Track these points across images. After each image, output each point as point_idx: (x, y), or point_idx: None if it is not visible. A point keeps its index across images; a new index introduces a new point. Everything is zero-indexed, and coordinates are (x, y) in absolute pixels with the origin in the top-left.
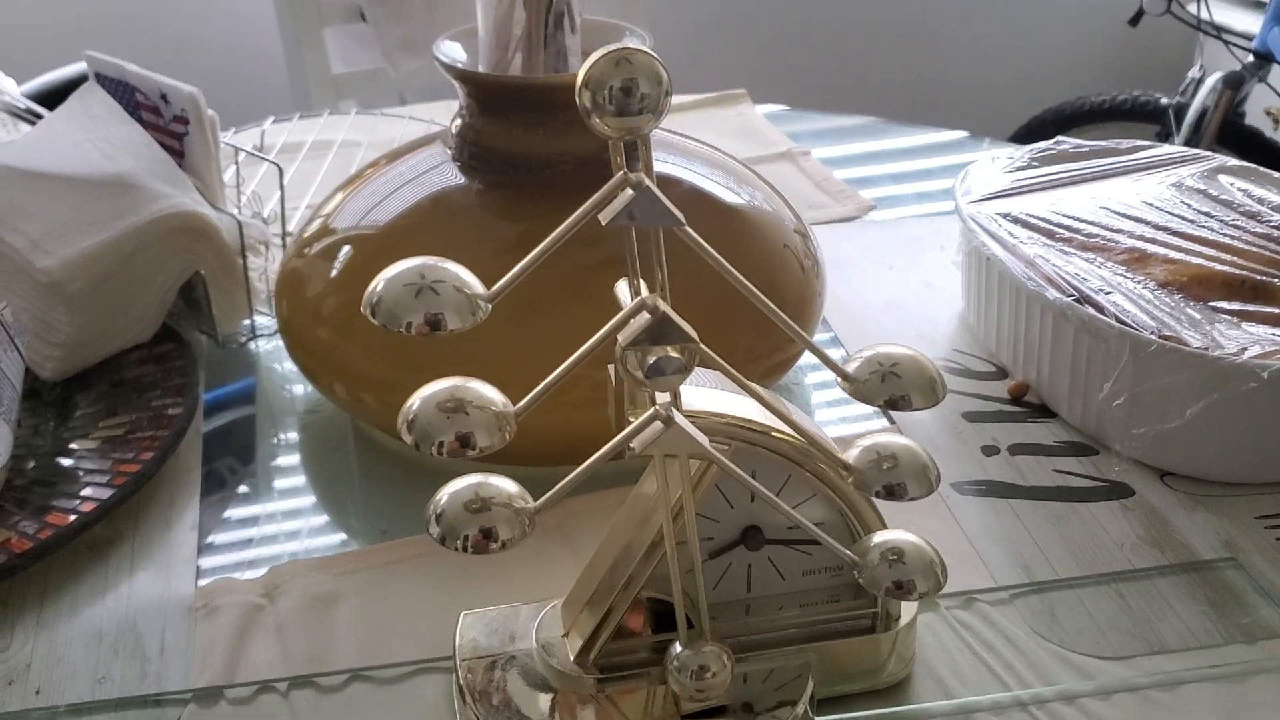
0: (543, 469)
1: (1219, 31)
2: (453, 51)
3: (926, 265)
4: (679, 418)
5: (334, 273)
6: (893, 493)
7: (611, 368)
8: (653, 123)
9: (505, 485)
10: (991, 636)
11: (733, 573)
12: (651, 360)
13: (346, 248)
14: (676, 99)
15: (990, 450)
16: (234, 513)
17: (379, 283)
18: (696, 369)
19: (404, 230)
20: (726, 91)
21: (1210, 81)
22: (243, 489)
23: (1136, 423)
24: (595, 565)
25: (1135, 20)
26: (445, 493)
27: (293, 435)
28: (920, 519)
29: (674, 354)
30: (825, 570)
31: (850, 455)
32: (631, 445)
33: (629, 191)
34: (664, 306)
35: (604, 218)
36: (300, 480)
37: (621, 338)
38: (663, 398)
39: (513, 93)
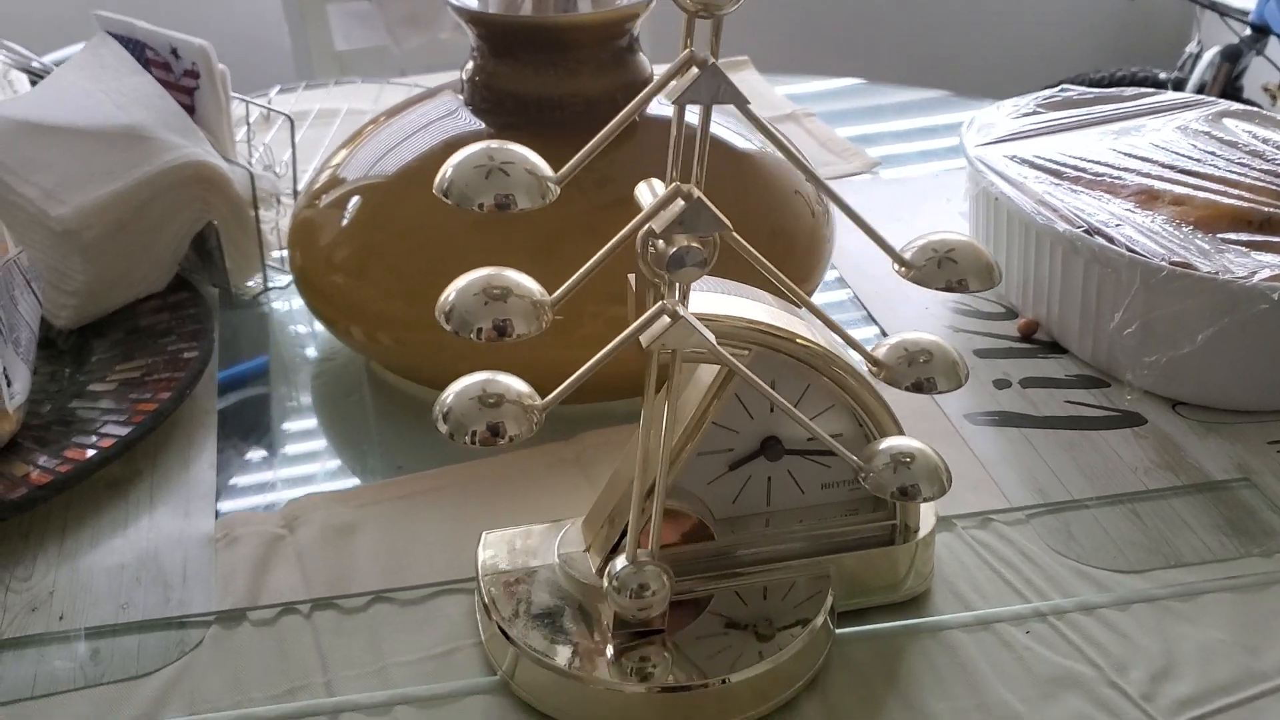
0: (567, 406)
1: (1215, 4)
2: None
3: (933, 216)
4: (685, 312)
5: (346, 220)
6: (922, 387)
7: (631, 276)
8: (733, 3)
9: (513, 382)
10: (1009, 553)
11: (752, 485)
12: (673, 250)
13: (358, 196)
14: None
15: (1002, 384)
16: (252, 454)
17: (448, 168)
18: (719, 280)
19: (415, 175)
20: (730, 59)
21: (1208, 56)
22: (259, 432)
23: (1148, 351)
24: (616, 479)
25: None
26: (452, 390)
27: (307, 382)
28: (936, 447)
29: (696, 245)
30: (844, 484)
31: (880, 351)
32: (639, 339)
33: (694, 71)
34: (699, 193)
35: (668, 95)
36: (315, 424)
37: (656, 223)
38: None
39: (524, 33)
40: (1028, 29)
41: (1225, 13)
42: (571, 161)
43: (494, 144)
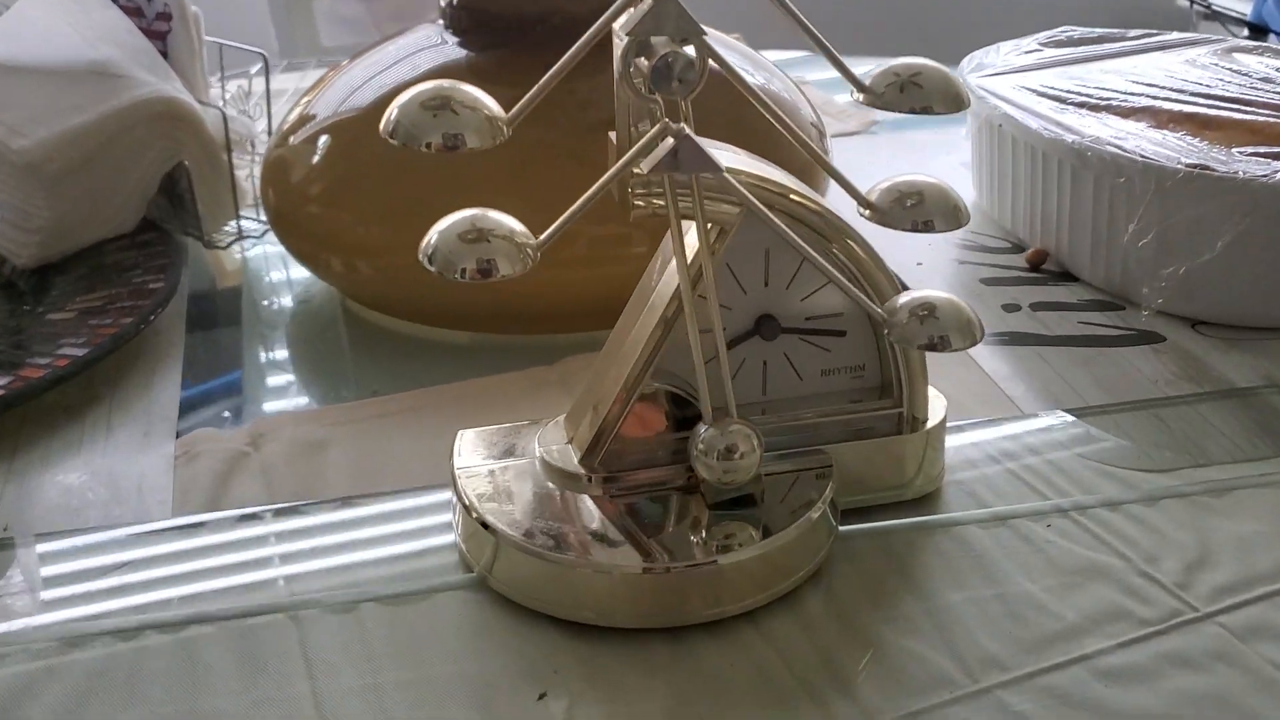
0: (549, 336)
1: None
2: None
3: (935, 167)
4: (690, 132)
5: (319, 155)
6: (919, 228)
7: (612, 135)
8: None
9: (505, 219)
10: (1025, 455)
11: (747, 370)
12: (657, 60)
13: (333, 129)
14: None
15: (1011, 308)
16: (219, 383)
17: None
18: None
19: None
20: (721, 35)
21: None
22: (228, 365)
23: (1164, 262)
24: (601, 363)
25: None
26: (437, 228)
27: (280, 324)
28: (944, 369)
29: (681, 50)
30: (845, 370)
31: (872, 194)
32: (638, 168)
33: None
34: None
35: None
36: (287, 356)
37: (621, 27)
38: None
39: None
40: (1021, 28)
41: (1222, 13)
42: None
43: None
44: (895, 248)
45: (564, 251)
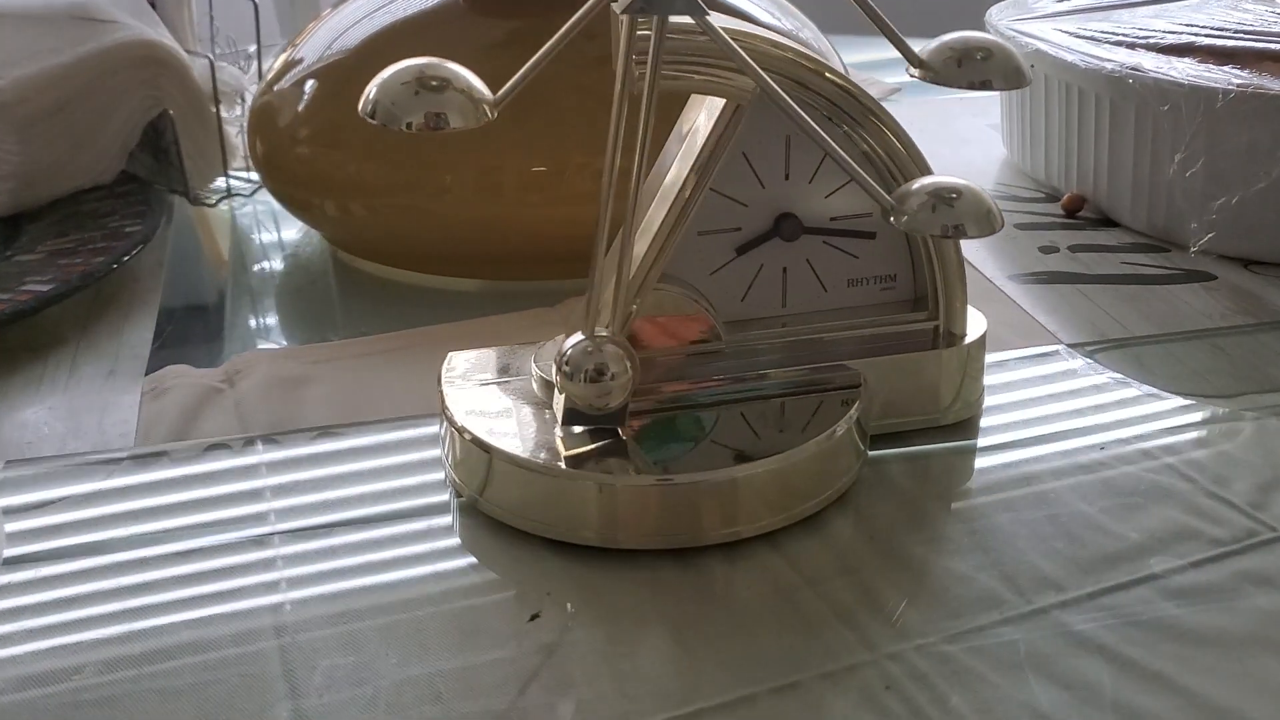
0: (555, 281)
1: None
2: None
3: (962, 129)
4: None
5: (307, 98)
6: (979, 86)
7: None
8: None
9: (461, 71)
10: (1072, 383)
11: (765, 278)
12: None
13: (318, 74)
14: None
15: (1049, 249)
16: (196, 326)
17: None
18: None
19: (385, 38)
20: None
21: None
22: (209, 310)
23: (1215, 194)
24: (602, 270)
25: None
26: (378, 79)
27: (269, 276)
28: (976, 305)
29: None
30: (874, 280)
31: (924, 51)
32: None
33: None
34: None
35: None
36: (275, 307)
37: None
38: None
39: None
40: None
41: None
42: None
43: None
44: None
45: (565, 186)
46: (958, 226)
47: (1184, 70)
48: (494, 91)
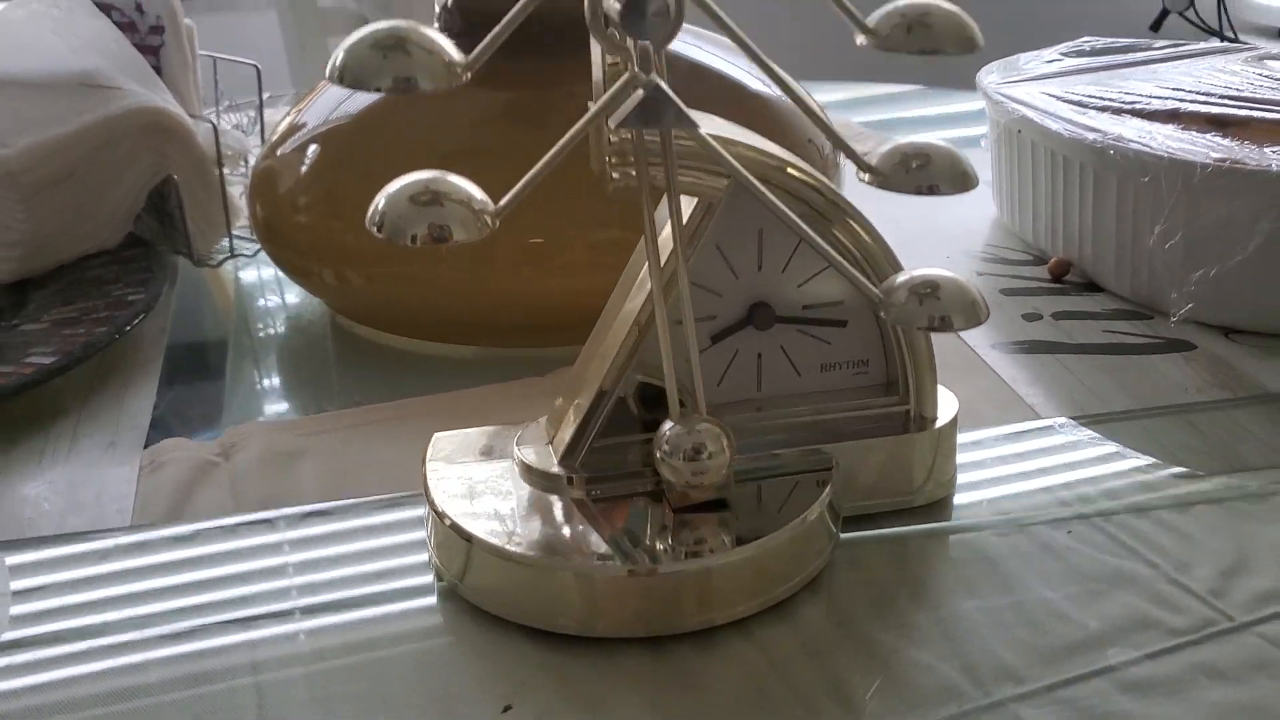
0: (545, 349)
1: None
2: None
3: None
4: (661, 81)
5: (307, 165)
6: (924, 191)
7: (590, 103)
8: None
9: (462, 183)
10: (1045, 460)
11: (740, 364)
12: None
13: (323, 137)
14: None
15: (1032, 317)
16: (195, 395)
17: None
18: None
19: (385, 107)
20: None
21: None
22: (208, 378)
23: (1193, 265)
24: (584, 358)
25: (1157, 25)
26: (387, 191)
27: (268, 339)
28: (958, 376)
29: None
30: (848, 365)
31: (872, 158)
32: (606, 122)
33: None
34: None
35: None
36: (272, 372)
37: None
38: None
39: None
40: (1037, 43)
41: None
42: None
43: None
44: (905, 256)
45: (560, 258)
46: (944, 318)
47: (1164, 142)
48: (496, 173)
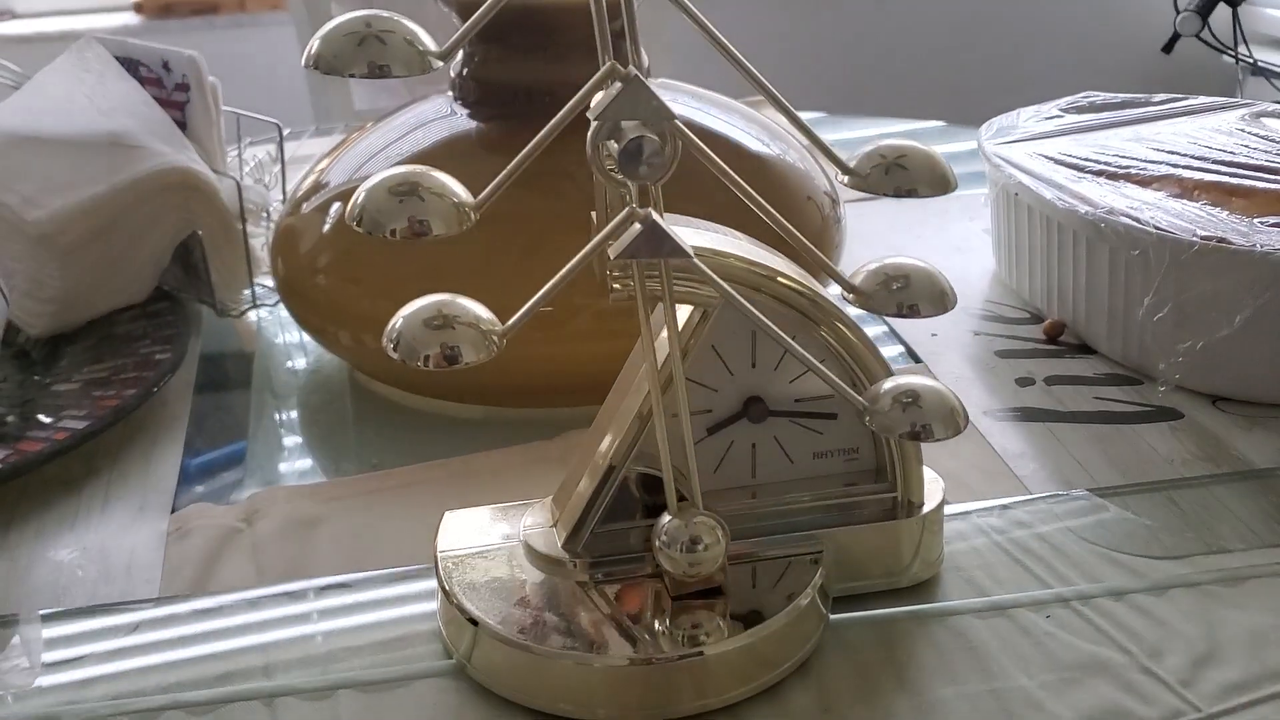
0: (554, 410)
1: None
2: None
3: (956, 234)
4: (658, 216)
5: (329, 225)
6: (905, 313)
7: (593, 214)
8: None
9: (471, 305)
10: (1029, 540)
11: (735, 453)
12: (626, 143)
13: (340, 199)
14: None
15: (1025, 381)
16: (220, 455)
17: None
18: (691, 219)
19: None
20: (757, 97)
21: None
22: (232, 436)
23: (1181, 337)
24: (585, 447)
25: (1169, 47)
26: (403, 313)
27: (288, 394)
28: (950, 443)
29: (651, 134)
30: (839, 453)
31: (857, 278)
32: (607, 252)
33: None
34: (636, 72)
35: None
36: (292, 429)
37: (591, 112)
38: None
39: (511, 16)
40: (1059, 86)
41: (1268, 69)
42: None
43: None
44: (914, 324)
45: (569, 326)
46: (925, 426)
47: (1155, 215)
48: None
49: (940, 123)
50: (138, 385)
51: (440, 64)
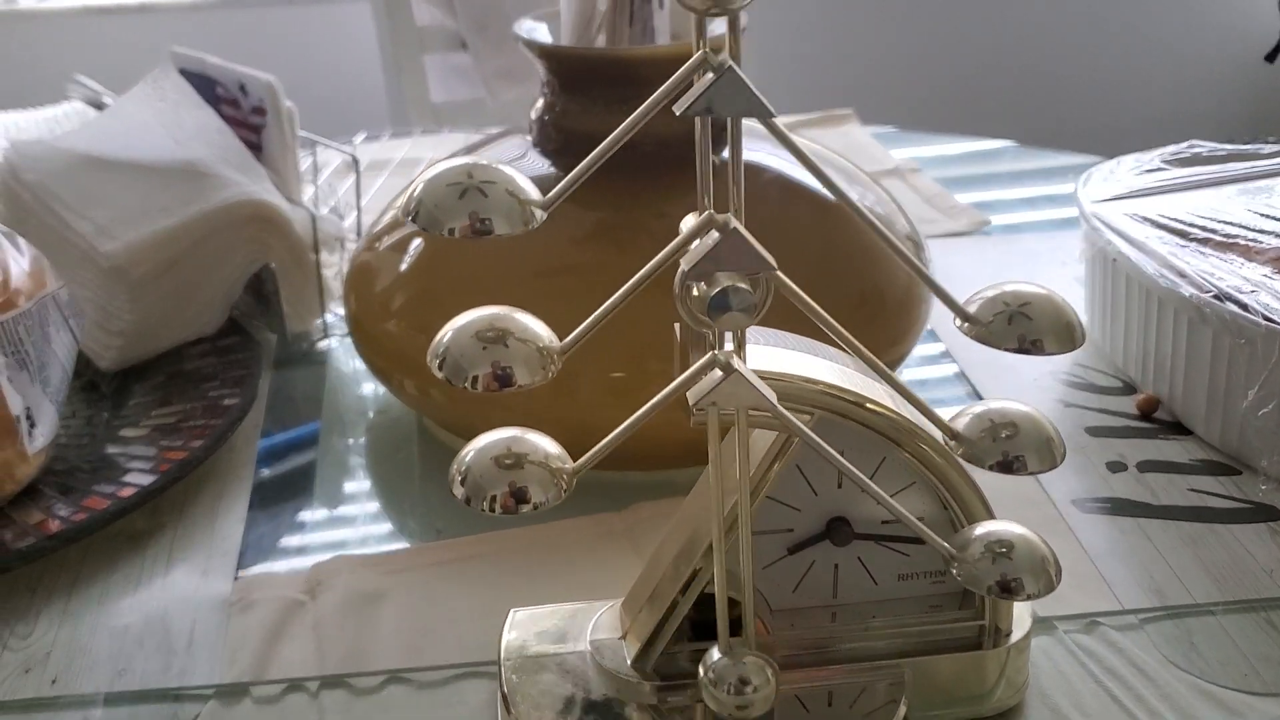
0: (624, 473)
1: None
2: (535, 30)
3: (1045, 280)
4: (739, 364)
5: (404, 266)
6: (1010, 467)
7: (677, 326)
8: None
9: (542, 442)
10: (1118, 664)
11: (816, 572)
12: (715, 292)
13: (418, 240)
14: (780, 119)
15: (1117, 466)
16: (286, 509)
17: (417, 186)
18: (778, 331)
19: None
20: (832, 111)
21: None
22: (298, 487)
23: None
24: (658, 558)
25: (1273, 56)
26: (473, 447)
27: (358, 435)
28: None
29: (742, 285)
30: (925, 575)
31: (959, 423)
32: (686, 396)
33: (709, 75)
34: (736, 223)
35: (679, 107)
36: (361, 480)
37: (684, 261)
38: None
39: (595, 67)
40: (1154, 92)
41: None
42: (559, 185)
43: (474, 161)
44: (998, 383)
45: (642, 393)
46: (1016, 580)
47: (1264, 302)
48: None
49: (1010, 143)
50: (205, 434)
51: (544, 215)
